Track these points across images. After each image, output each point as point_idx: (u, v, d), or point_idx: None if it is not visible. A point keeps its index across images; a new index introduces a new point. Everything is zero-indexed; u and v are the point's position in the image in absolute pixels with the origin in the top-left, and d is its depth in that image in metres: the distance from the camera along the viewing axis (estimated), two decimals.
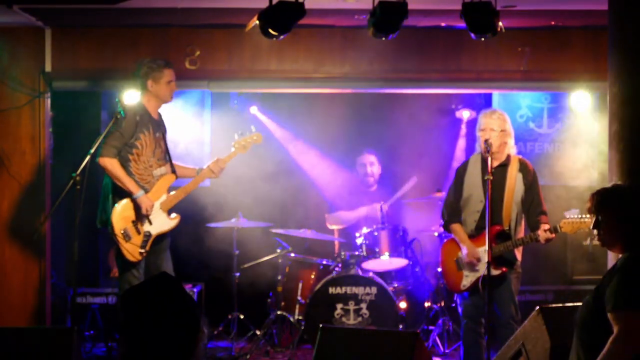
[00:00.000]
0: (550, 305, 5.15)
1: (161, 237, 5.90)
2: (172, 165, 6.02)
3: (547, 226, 5.50)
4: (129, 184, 5.72)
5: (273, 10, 5.30)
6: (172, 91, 5.91)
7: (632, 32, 4.40)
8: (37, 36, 6.67)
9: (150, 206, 5.74)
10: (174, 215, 5.95)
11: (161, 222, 5.85)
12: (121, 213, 5.73)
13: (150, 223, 5.79)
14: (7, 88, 6.66)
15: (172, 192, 5.92)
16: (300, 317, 6.80)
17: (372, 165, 7.59)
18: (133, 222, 5.74)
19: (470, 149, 7.65)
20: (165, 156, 5.96)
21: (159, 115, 6.00)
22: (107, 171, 5.76)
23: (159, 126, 5.93)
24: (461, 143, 7.93)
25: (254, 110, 7.77)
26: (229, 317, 7.05)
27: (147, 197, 5.75)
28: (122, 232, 5.70)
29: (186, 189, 5.97)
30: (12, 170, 6.64)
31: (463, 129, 7.87)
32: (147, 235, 5.77)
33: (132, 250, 5.72)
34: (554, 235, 5.49)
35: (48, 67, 6.71)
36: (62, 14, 6.33)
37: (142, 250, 5.74)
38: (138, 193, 5.71)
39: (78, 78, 6.81)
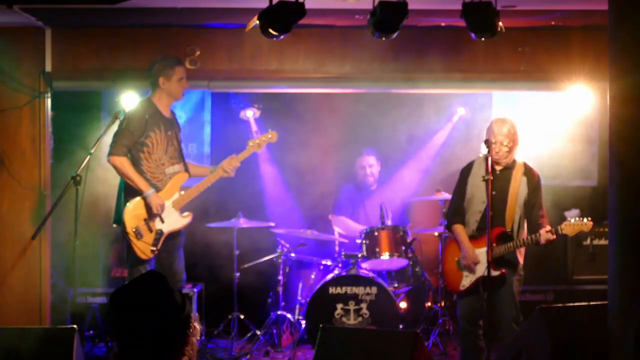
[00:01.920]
0: (550, 306, 5.16)
1: (174, 235, 5.93)
2: (185, 164, 6.05)
3: (548, 227, 5.52)
4: (139, 182, 5.76)
5: (273, 10, 5.30)
6: (183, 88, 6.01)
7: (632, 32, 4.39)
8: (37, 36, 6.67)
9: (160, 205, 5.77)
10: (186, 213, 5.99)
11: (173, 220, 5.90)
12: (133, 211, 5.78)
13: (163, 221, 5.83)
14: (7, 88, 6.66)
15: (184, 191, 5.96)
16: (300, 317, 6.80)
17: (371, 166, 7.63)
18: (145, 220, 5.77)
19: (457, 144, 7.66)
20: (178, 154, 5.99)
21: (172, 113, 6.07)
22: (116, 170, 5.81)
23: (171, 124, 5.98)
24: (452, 140, 7.91)
25: (249, 114, 7.79)
26: (229, 317, 7.04)
27: (158, 195, 5.79)
28: (134, 230, 5.74)
29: (199, 187, 6.05)
30: (12, 170, 6.64)
31: (453, 120, 7.86)
32: (159, 233, 5.81)
33: (144, 248, 5.76)
34: (555, 236, 5.51)
35: (48, 67, 6.70)
36: (62, 14, 6.33)
37: (154, 248, 5.79)
38: (148, 191, 5.76)
39: (78, 78, 6.81)
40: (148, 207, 5.77)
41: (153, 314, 2.42)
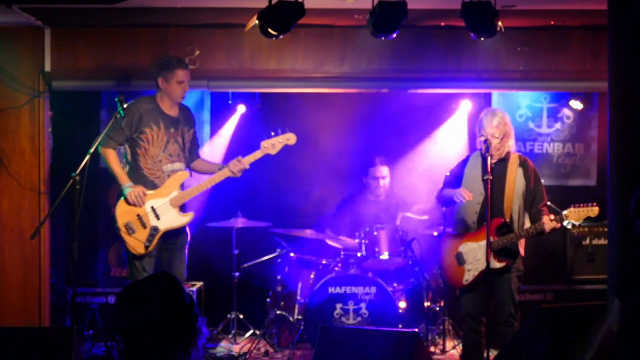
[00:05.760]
0: (550, 305, 5.16)
1: (175, 233, 5.90)
2: (188, 162, 6.01)
3: (552, 216, 5.50)
4: (119, 175, 5.79)
5: (273, 10, 5.31)
6: (183, 91, 5.92)
7: (632, 32, 4.40)
8: (36, 36, 6.67)
9: (138, 197, 5.71)
10: (187, 212, 5.96)
11: (171, 218, 5.85)
12: (123, 207, 5.77)
13: (158, 218, 5.80)
14: (7, 88, 6.66)
15: (186, 189, 5.92)
16: (299, 317, 6.79)
17: (384, 178, 7.43)
18: (138, 215, 5.75)
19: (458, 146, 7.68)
20: (181, 153, 5.96)
21: (180, 111, 6.01)
22: (105, 161, 5.85)
23: (175, 122, 5.93)
24: (452, 141, 7.91)
25: (240, 109, 7.76)
26: (229, 316, 7.05)
27: (135, 188, 5.73)
28: (124, 225, 5.73)
29: (200, 187, 5.92)
30: (12, 170, 6.65)
31: (456, 111, 7.86)
32: (154, 229, 5.78)
33: (136, 244, 5.74)
34: (559, 224, 5.50)
35: (48, 67, 6.71)
36: (62, 13, 6.33)
37: (148, 244, 5.75)
38: (126, 184, 5.75)
39: (78, 78, 6.81)
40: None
41: (161, 315, 2.42)
